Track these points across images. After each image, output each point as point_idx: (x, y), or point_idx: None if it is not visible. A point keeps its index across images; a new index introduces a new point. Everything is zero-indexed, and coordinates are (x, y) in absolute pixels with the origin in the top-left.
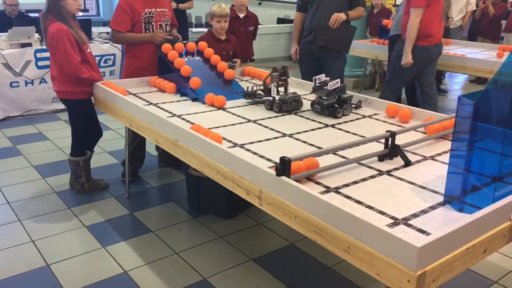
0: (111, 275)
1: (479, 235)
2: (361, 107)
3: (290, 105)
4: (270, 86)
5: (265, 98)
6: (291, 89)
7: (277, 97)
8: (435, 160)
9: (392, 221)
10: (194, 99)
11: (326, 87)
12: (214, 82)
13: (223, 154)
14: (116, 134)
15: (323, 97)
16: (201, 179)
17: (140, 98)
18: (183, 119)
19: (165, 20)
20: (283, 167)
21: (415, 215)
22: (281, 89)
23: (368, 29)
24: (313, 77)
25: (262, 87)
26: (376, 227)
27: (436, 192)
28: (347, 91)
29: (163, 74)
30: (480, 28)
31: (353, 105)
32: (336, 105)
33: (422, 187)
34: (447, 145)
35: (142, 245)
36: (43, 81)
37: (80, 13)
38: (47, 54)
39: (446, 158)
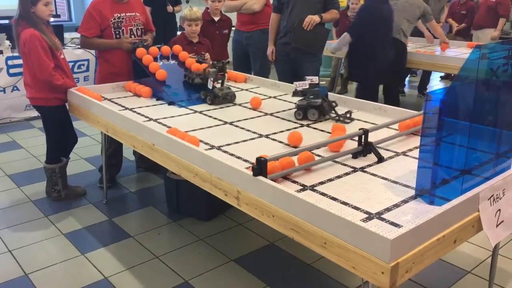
0: (91, 281)
1: (449, 226)
2: (351, 120)
3: (223, 99)
4: (208, 77)
5: (203, 91)
6: (259, 90)
7: (216, 90)
8: (407, 155)
9: (366, 215)
10: (170, 103)
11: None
12: (189, 85)
13: (201, 156)
14: (92, 140)
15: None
16: (180, 182)
17: (116, 103)
18: (160, 123)
19: (136, 24)
20: (260, 167)
21: (388, 209)
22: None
23: (335, 31)
24: (294, 82)
25: (201, 76)
26: (350, 222)
27: (408, 187)
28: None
29: (138, 78)
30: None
31: (340, 117)
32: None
33: (394, 182)
34: (417, 141)
35: (122, 251)
36: (15, 88)
37: (52, 19)
38: (19, 61)
39: (417, 153)
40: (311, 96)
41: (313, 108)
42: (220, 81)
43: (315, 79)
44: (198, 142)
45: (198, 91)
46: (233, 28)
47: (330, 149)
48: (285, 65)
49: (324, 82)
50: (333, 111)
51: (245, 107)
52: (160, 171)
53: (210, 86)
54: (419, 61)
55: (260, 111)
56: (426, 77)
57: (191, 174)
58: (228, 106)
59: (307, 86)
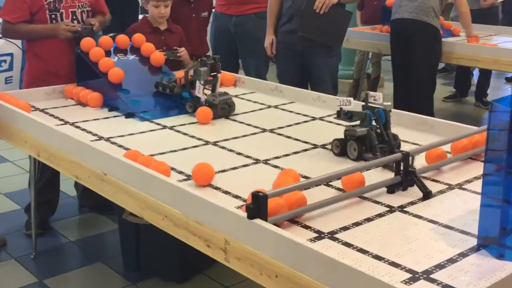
0: None
1: None
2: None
3: (220, 111)
4: (194, 81)
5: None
6: (255, 96)
7: (202, 98)
8: (464, 189)
9: (409, 275)
10: (128, 115)
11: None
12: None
13: (173, 191)
14: (16, 168)
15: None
16: (142, 227)
17: (51, 115)
18: (114, 143)
19: (81, 5)
20: (257, 206)
21: (440, 266)
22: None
23: (359, 14)
24: (339, 99)
25: (180, 81)
26: (388, 285)
27: (466, 234)
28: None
29: (84, 80)
30: None
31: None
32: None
33: (448, 227)
34: (479, 168)
35: None
36: None
37: None
38: None
39: (478, 186)
40: (357, 122)
41: (353, 141)
42: (211, 85)
43: (379, 97)
44: (169, 170)
45: (168, 97)
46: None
47: (344, 187)
48: (290, 61)
49: (389, 103)
50: (382, 145)
51: (234, 120)
52: (113, 212)
53: (199, 92)
54: (468, 56)
55: (256, 126)
56: (484, 78)
57: (158, 216)
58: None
59: (351, 105)
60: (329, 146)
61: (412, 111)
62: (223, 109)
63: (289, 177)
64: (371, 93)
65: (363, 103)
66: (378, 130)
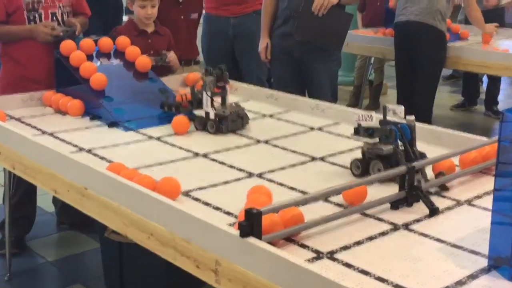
0: None
1: None
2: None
3: (232, 123)
4: (201, 95)
5: (194, 112)
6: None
7: (212, 112)
8: (473, 205)
9: None
10: (111, 124)
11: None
12: (142, 96)
13: (159, 207)
14: None
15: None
16: (125, 246)
17: (28, 124)
18: (96, 155)
19: (62, 6)
20: (251, 223)
21: None
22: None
23: (361, 17)
24: (358, 114)
25: (188, 96)
26: None
27: (476, 253)
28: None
29: (63, 86)
30: None
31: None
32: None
33: (456, 247)
34: (489, 183)
35: None
36: None
37: None
38: None
39: (488, 202)
40: (379, 140)
41: (377, 160)
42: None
43: (400, 111)
44: (155, 184)
45: (155, 105)
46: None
47: (346, 200)
48: (286, 67)
49: (412, 117)
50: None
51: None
52: (94, 230)
53: (207, 106)
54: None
55: (250, 137)
56: (493, 85)
57: (143, 235)
58: (199, 130)
59: (373, 121)
60: (328, 159)
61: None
62: (234, 121)
63: (261, 195)
64: (390, 106)
65: (381, 119)
66: (402, 147)
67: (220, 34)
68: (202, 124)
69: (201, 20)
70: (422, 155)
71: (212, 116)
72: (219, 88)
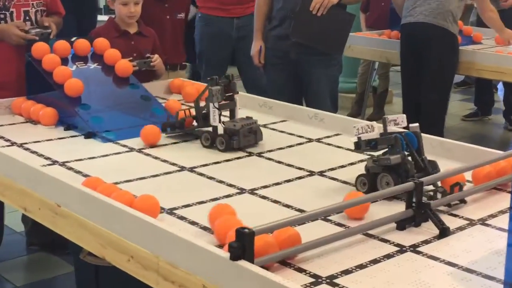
0: None
1: None
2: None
3: (244, 139)
4: (206, 109)
5: (200, 129)
6: (241, 113)
7: (220, 127)
8: (487, 225)
9: None
10: (88, 135)
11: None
12: (122, 104)
13: (140, 226)
14: None
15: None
16: (102, 270)
17: None
18: (71, 168)
19: (35, 4)
20: (242, 245)
21: None
22: (225, 113)
23: (364, 18)
24: (357, 127)
25: (191, 112)
26: None
27: (491, 278)
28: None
29: (35, 93)
30: None
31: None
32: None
33: (468, 271)
34: (505, 200)
35: None
36: None
37: None
38: None
39: (504, 221)
40: (385, 151)
41: (385, 172)
42: (228, 109)
43: (402, 120)
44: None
45: (137, 114)
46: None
47: (348, 216)
48: (281, 72)
49: (416, 124)
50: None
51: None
52: (68, 252)
53: (214, 120)
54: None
55: (240, 151)
56: (510, 94)
57: (123, 257)
58: (186, 141)
59: (374, 131)
60: (328, 173)
61: (422, 129)
62: (247, 137)
63: (230, 216)
64: (390, 117)
65: (381, 131)
66: (409, 157)
67: (221, 37)
68: (210, 140)
69: (196, 21)
70: (433, 164)
71: (220, 131)
72: (227, 99)
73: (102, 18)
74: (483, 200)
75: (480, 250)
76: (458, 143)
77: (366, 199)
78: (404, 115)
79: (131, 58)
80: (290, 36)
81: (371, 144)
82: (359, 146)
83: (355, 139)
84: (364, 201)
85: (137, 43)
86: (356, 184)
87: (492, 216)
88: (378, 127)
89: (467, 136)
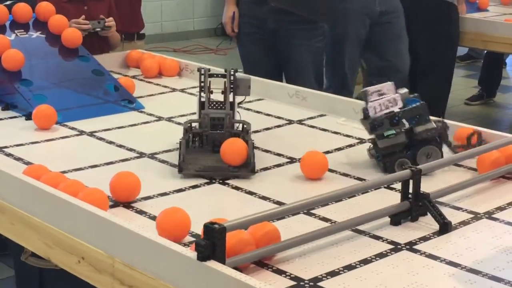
0: None
1: None
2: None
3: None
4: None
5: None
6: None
7: None
8: (494, 219)
9: None
10: (30, 115)
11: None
12: (70, 79)
13: (93, 221)
14: None
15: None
16: (47, 273)
17: None
18: (10, 155)
19: None
20: (212, 243)
21: None
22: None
23: None
24: (362, 91)
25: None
26: None
27: (498, 280)
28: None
29: None
30: None
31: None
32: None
33: (473, 271)
34: None
35: None
36: None
37: None
38: None
39: None
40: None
41: (425, 145)
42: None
43: (388, 89)
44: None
45: (89, 91)
46: None
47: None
48: (257, 43)
49: (404, 90)
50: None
51: (179, 123)
52: (7, 252)
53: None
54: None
55: None
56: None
57: (72, 258)
58: (151, 122)
59: (383, 110)
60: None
61: None
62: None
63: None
64: (371, 88)
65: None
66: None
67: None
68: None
69: None
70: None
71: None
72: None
73: None
74: (490, 191)
75: (486, 248)
76: (461, 125)
77: (355, 190)
78: (391, 83)
79: (83, 16)
80: (267, 0)
81: (394, 120)
82: (376, 126)
83: (370, 120)
84: (349, 194)
85: (90, 8)
86: (395, 168)
87: (500, 208)
88: (384, 102)
89: (472, 118)
